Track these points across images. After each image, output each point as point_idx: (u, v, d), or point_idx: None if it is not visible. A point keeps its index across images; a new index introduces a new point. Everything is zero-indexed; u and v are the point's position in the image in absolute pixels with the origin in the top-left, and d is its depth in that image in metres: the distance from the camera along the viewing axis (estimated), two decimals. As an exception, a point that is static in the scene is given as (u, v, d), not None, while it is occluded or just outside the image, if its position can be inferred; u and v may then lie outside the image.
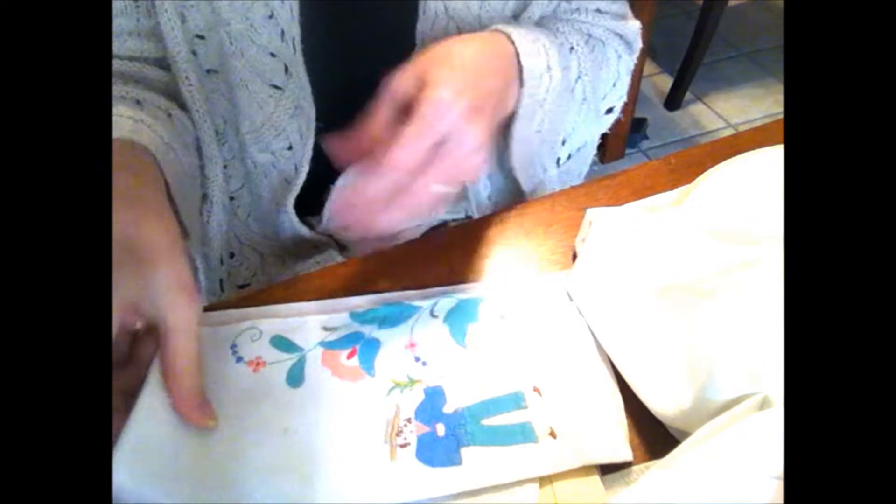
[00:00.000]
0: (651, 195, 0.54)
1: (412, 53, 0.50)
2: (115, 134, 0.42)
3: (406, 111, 0.42)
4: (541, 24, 0.56)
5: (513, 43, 0.49)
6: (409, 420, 0.40)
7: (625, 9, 0.60)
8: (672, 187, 0.55)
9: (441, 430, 0.40)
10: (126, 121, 0.44)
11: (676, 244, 0.49)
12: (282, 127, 0.54)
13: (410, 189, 0.41)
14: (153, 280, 0.36)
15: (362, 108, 0.55)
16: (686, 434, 0.37)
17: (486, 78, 0.46)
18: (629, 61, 0.61)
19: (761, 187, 0.52)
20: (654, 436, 0.40)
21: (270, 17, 0.48)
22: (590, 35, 0.57)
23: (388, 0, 0.52)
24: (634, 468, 0.39)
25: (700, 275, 0.47)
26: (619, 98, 0.61)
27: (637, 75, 1.59)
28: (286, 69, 0.50)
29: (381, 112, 0.44)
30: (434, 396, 0.41)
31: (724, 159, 0.56)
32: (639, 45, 0.62)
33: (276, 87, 0.52)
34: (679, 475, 0.35)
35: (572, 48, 0.54)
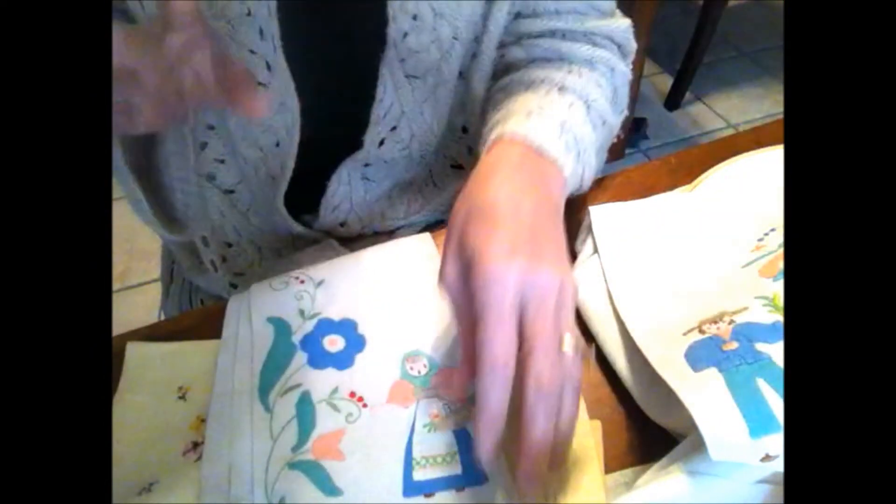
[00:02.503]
0: (651, 195, 0.54)
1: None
2: None
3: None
4: (521, 78, 0.54)
5: (541, 153, 0.45)
6: None
7: (612, 7, 0.57)
8: (672, 187, 0.55)
9: None
10: None
11: (677, 245, 0.49)
12: (268, 123, 0.54)
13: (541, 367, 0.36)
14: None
15: (346, 104, 0.55)
16: (685, 434, 0.37)
17: (530, 212, 0.41)
18: (623, 72, 0.57)
19: (763, 187, 0.52)
20: (654, 436, 0.40)
21: (248, 14, 0.48)
22: (571, 61, 0.55)
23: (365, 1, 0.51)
24: (634, 468, 0.39)
25: (701, 274, 0.47)
26: (621, 112, 0.59)
27: (637, 75, 1.59)
28: (268, 66, 0.50)
29: (459, 323, 0.40)
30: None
31: (724, 159, 0.56)
32: (632, 45, 0.58)
33: (260, 83, 0.52)
34: (678, 476, 0.35)
35: (572, 104, 0.51)
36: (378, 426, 0.40)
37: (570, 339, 0.37)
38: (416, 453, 0.39)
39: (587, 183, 0.51)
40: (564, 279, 0.38)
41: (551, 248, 0.40)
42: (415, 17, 0.50)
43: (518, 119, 0.47)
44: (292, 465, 0.38)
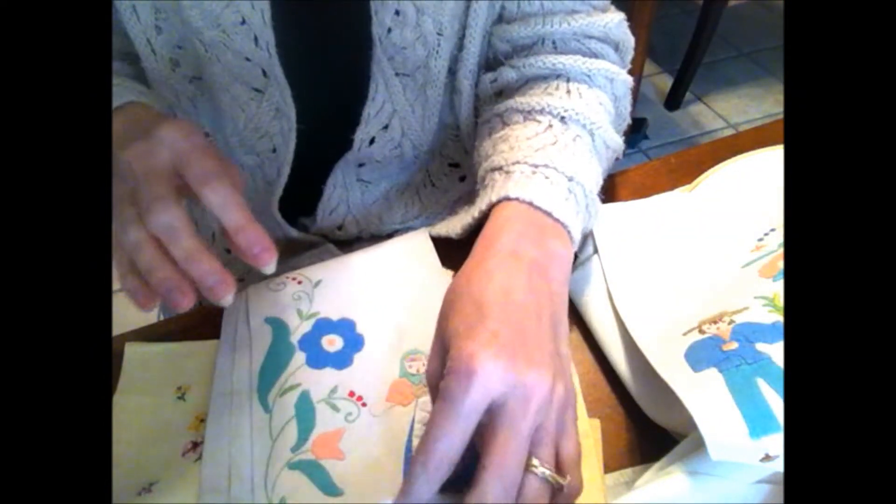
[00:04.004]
0: (651, 195, 0.54)
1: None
2: (124, 99, 0.45)
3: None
4: (516, 104, 0.51)
5: (548, 214, 0.43)
6: None
7: (605, 3, 0.55)
8: (672, 187, 0.55)
9: None
10: (126, 90, 0.47)
11: (676, 245, 0.49)
12: (264, 129, 0.54)
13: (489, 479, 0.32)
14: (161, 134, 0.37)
15: (341, 106, 0.54)
16: (685, 434, 0.37)
17: (520, 306, 0.37)
18: (624, 81, 0.54)
19: (763, 187, 0.52)
20: (654, 436, 0.40)
21: (242, 23, 0.47)
22: (568, 77, 0.52)
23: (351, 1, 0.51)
24: (633, 468, 0.39)
25: (701, 274, 0.47)
26: (624, 121, 0.57)
27: (637, 75, 1.59)
28: (264, 73, 0.51)
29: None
30: None
31: (724, 159, 0.56)
32: (629, 40, 0.56)
33: (256, 90, 0.52)
34: (678, 476, 0.35)
35: (577, 136, 0.49)
36: (377, 425, 0.40)
37: (538, 462, 0.34)
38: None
39: (591, 227, 0.49)
40: (555, 385, 0.35)
41: (542, 348, 0.36)
42: (397, 13, 0.49)
43: (523, 174, 0.45)
44: (292, 466, 0.38)
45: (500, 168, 0.47)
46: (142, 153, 0.37)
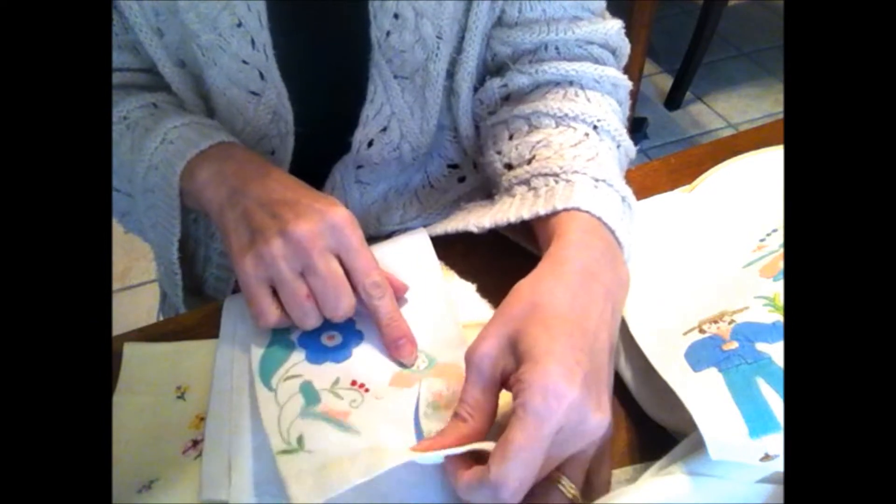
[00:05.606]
0: (651, 195, 0.54)
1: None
2: (214, 140, 0.48)
3: (503, 383, 0.37)
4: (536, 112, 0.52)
5: (607, 226, 0.43)
6: None
7: (601, 8, 0.56)
8: (672, 187, 0.55)
9: None
10: (213, 129, 0.50)
11: (677, 245, 0.49)
12: (262, 132, 0.54)
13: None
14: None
15: (339, 108, 0.54)
16: (685, 434, 0.37)
17: (593, 310, 0.38)
18: (625, 86, 0.56)
19: (763, 187, 0.52)
20: (654, 436, 0.40)
21: (239, 25, 0.47)
22: (581, 85, 0.53)
23: (349, 2, 0.51)
24: (634, 467, 0.39)
25: (701, 274, 0.47)
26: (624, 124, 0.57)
27: (637, 75, 1.58)
28: (261, 75, 0.51)
29: (471, 395, 0.36)
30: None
31: (724, 159, 0.56)
32: (626, 47, 0.57)
33: (253, 93, 0.52)
34: (678, 475, 0.35)
35: (610, 148, 0.50)
36: (383, 405, 0.40)
37: (568, 482, 0.35)
38: (425, 428, 0.39)
39: None
40: (608, 428, 0.35)
41: (608, 389, 0.37)
42: (396, 16, 0.49)
43: (586, 186, 0.44)
44: (304, 416, 0.39)
45: (555, 174, 0.46)
46: (315, 234, 0.41)
